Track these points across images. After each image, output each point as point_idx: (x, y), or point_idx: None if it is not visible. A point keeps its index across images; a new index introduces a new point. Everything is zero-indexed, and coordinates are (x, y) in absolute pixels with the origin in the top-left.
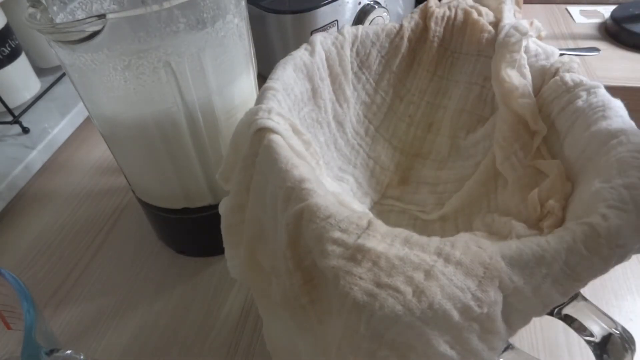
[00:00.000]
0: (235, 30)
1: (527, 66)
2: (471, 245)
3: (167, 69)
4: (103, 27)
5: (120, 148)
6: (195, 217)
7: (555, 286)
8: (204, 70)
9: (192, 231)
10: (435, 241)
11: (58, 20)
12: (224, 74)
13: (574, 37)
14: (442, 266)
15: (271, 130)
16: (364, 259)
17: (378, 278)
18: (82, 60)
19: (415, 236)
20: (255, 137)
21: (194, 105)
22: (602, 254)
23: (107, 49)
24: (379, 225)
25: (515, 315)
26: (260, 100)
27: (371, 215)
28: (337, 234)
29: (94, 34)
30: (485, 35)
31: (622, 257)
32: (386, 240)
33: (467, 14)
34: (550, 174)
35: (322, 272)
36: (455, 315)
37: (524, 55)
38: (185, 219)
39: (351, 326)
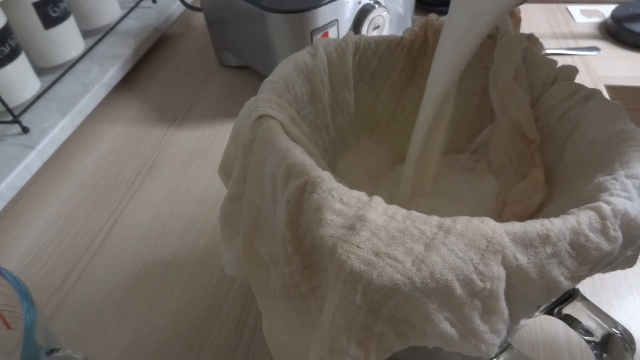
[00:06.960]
0: None
1: (525, 76)
2: (473, 220)
3: None
4: None
5: None
6: None
7: (561, 268)
8: None
9: None
10: (436, 217)
11: None
12: None
13: (574, 36)
14: (443, 237)
15: (271, 117)
16: (363, 228)
17: (376, 247)
18: None
19: (415, 212)
20: (255, 124)
21: None
22: (608, 235)
23: None
24: (380, 200)
25: (519, 300)
26: (261, 92)
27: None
28: (337, 205)
29: None
30: (484, 47)
31: (630, 243)
32: (387, 213)
33: None
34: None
35: (319, 249)
36: (457, 287)
37: (523, 65)
38: None
39: (346, 297)
